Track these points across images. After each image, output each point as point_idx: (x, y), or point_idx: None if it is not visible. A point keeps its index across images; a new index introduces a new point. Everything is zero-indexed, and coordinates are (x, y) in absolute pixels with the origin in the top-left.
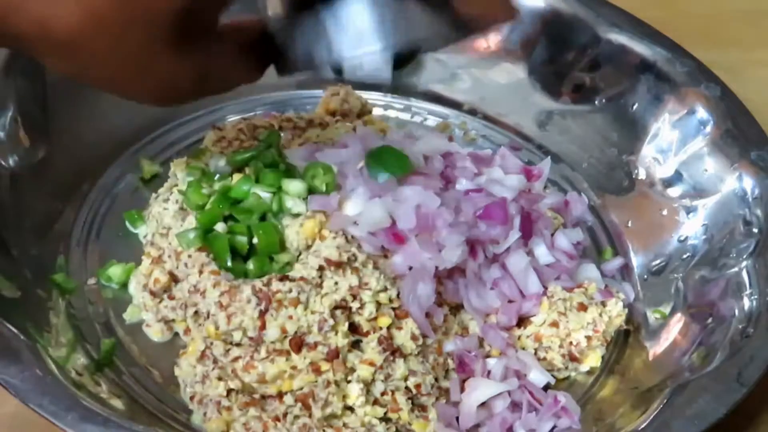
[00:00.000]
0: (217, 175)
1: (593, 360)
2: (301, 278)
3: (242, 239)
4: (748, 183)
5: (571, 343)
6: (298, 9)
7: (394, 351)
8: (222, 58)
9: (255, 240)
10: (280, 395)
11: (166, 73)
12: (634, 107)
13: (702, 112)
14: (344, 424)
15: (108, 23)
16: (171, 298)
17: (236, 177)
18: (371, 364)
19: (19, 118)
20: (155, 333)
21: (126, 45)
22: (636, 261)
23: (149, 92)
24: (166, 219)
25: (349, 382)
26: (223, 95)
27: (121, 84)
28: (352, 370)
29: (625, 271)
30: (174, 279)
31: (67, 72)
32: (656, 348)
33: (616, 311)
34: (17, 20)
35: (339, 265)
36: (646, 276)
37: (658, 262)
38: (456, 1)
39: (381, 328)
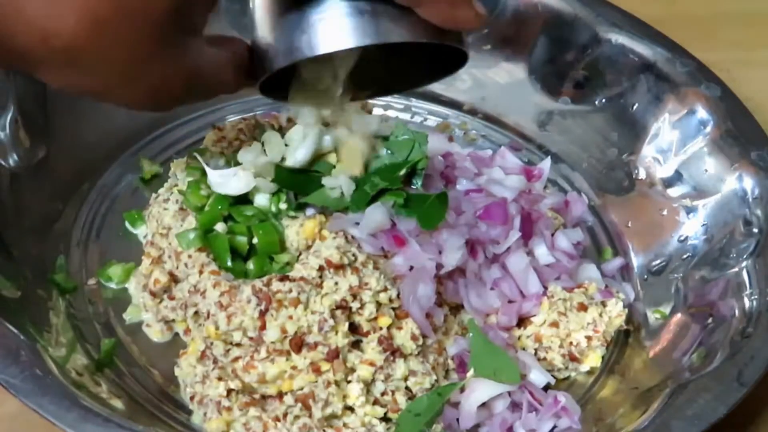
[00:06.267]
0: None
1: (593, 360)
2: (301, 278)
3: (242, 239)
4: (748, 183)
5: (571, 343)
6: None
7: (394, 351)
8: (208, 65)
9: (255, 240)
10: (280, 395)
11: (159, 77)
12: (634, 107)
13: (702, 112)
14: (344, 424)
15: (106, 25)
16: (171, 298)
17: None
18: (371, 364)
19: (19, 118)
20: (155, 333)
21: (123, 47)
22: (636, 261)
23: (143, 96)
24: (166, 219)
25: (349, 382)
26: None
27: (118, 89)
28: (352, 370)
29: (625, 271)
30: (174, 279)
31: (66, 83)
32: (656, 348)
33: (616, 311)
34: (18, 33)
35: (339, 267)
36: (646, 276)
37: (658, 262)
38: (421, 9)
39: (381, 328)
